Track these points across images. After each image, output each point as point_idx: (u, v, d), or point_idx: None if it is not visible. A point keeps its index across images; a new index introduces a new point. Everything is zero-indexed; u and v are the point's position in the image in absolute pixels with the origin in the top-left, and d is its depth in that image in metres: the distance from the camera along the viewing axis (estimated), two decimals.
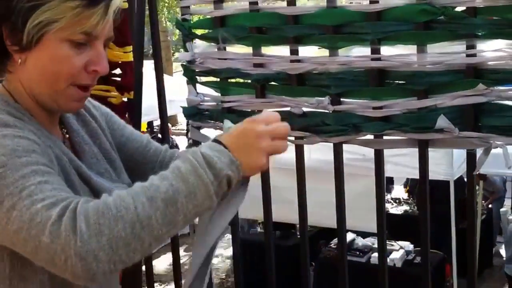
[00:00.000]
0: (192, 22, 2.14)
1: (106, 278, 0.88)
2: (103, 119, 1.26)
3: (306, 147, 2.03)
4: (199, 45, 2.14)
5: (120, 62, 2.20)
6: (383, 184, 1.91)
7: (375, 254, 4.91)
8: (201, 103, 2.16)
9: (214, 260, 4.87)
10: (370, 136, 1.86)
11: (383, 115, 1.79)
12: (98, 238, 0.85)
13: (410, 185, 7.21)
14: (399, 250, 5.13)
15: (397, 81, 1.78)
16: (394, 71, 1.76)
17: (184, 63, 2.15)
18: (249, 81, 2.05)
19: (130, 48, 2.18)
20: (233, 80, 2.13)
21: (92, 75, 1.05)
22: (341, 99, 1.87)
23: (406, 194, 8.14)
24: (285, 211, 3.28)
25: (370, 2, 1.74)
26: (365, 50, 1.81)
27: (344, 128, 1.87)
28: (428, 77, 1.70)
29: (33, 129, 1.01)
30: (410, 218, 6.53)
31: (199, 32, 2.13)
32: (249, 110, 2.06)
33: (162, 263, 6.39)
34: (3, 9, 0.99)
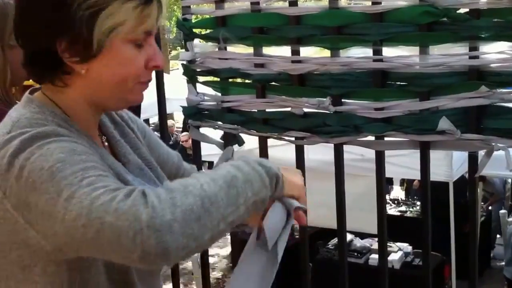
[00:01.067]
0: (192, 21, 2.13)
1: (177, 259, 0.85)
2: (140, 133, 1.25)
3: (305, 147, 2.02)
4: (199, 45, 2.13)
5: None
6: (383, 185, 1.90)
7: (373, 256, 4.90)
8: (201, 102, 2.15)
9: (211, 260, 4.83)
10: (371, 137, 1.85)
11: (385, 116, 1.78)
12: (172, 210, 0.82)
13: (407, 185, 7.20)
14: (397, 252, 5.12)
15: (399, 83, 1.77)
16: (396, 73, 1.75)
17: (184, 63, 2.14)
18: (250, 81, 2.04)
19: None
20: (233, 80, 2.12)
21: (151, 70, 1.05)
22: (342, 100, 1.86)
23: (404, 194, 8.13)
24: None
25: (373, 3, 1.73)
26: (367, 51, 1.80)
27: (345, 129, 1.86)
28: (430, 79, 1.69)
29: (83, 141, 0.98)
30: (408, 219, 6.52)
31: (199, 32, 2.12)
32: (250, 110, 2.05)
33: None
34: (61, 22, 0.94)
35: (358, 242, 5.49)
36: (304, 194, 1.06)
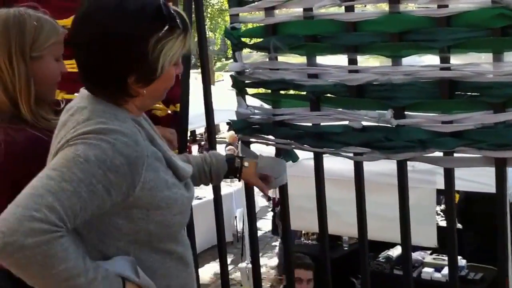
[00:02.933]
0: (241, 31, 2.01)
1: None
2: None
3: None
4: (248, 55, 2.01)
5: None
6: (453, 206, 1.73)
7: (426, 269, 4.71)
8: (251, 116, 2.03)
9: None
10: (438, 153, 1.69)
11: (454, 130, 1.62)
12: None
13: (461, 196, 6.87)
14: None
15: (469, 93, 1.61)
16: (466, 82, 1.59)
17: (233, 74, 2.03)
18: (303, 92, 1.91)
19: None
20: (285, 92, 1.99)
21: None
22: (406, 112, 1.71)
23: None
24: (332, 222, 3.16)
25: (439, 7, 1.57)
26: (433, 59, 1.65)
27: (409, 144, 1.71)
28: (505, 89, 1.52)
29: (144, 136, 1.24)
30: (459, 231, 6.22)
31: (248, 41, 2.01)
32: (303, 123, 1.92)
33: (206, 272, 6.29)
34: (137, 62, 1.17)
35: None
36: None
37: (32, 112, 1.50)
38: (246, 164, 1.71)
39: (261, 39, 1.95)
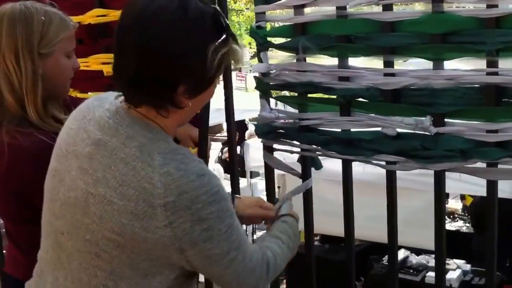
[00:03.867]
0: (267, 30, 1.90)
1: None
2: None
3: None
4: (274, 56, 1.90)
5: None
6: (495, 213, 1.61)
7: (430, 273, 4.63)
8: (275, 120, 1.92)
9: None
10: (481, 164, 1.58)
11: (499, 140, 1.51)
12: (273, 274, 1.33)
13: (473, 203, 6.79)
14: (456, 270, 4.82)
15: None
16: None
17: (258, 75, 1.92)
18: (332, 96, 1.79)
19: None
20: (312, 95, 1.88)
21: None
22: (445, 120, 1.60)
23: (461, 208, 7.73)
24: (337, 224, 3.07)
25: (487, 7, 1.46)
26: (477, 63, 1.54)
27: (448, 154, 1.59)
28: None
29: None
30: (463, 235, 6.16)
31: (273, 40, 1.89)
32: (331, 129, 1.81)
33: None
34: (194, 68, 1.07)
35: (414, 259, 5.17)
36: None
37: (39, 115, 1.40)
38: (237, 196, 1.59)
39: (289, 39, 1.83)
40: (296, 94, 1.87)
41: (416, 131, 1.64)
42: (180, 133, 1.73)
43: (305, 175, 1.94)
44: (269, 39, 1.87)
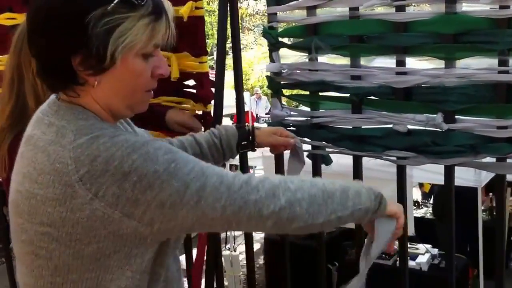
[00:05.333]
0: (279, 30, 1.95)
1: (296, 229, 1.09)
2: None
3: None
4: (286, 55, 1.94)
5: (194, 73, 2.01)
6: (505, 203, 1.69)
7: None
8: (286, 118, 1.96)
9: (240, 256, 4.78)
10: (490, 159, 1.65)
11: (510, 136, 1.58)
12: (302, 193, 1.08)
13: (433, 191, 6.96)
14: (424, 254, 4.95)
15: None
16: None
17: (269, 75, 1.96)
18: (343, 94, 1.85)
19: (206, 58, 1.99)
20: (323, 94, 1.92)
21: (156, 78, 1.10)
22: (456, 117, 1.66)
23: (421, 196, 7.94)
24: None
25: (500, 7, 1.53)
26: (485, 61, 1.61)
27: (459, 149, 1.66)
28: None
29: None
30: (427, 222, 6.33)
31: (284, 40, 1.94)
32: (343, 126, 1.86)
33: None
34: (77, 38, 0.97)
35: None
36: (402, 213, 1.26)
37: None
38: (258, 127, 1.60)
39: (301, 39, 1.88)
40: (307, 92, 1.92)
41: (426, 128, 1.70)
42: (169, 122, 1.79)
43: (315, 171, 1.98)
44: (281, 39, 1.92)
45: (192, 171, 0.99)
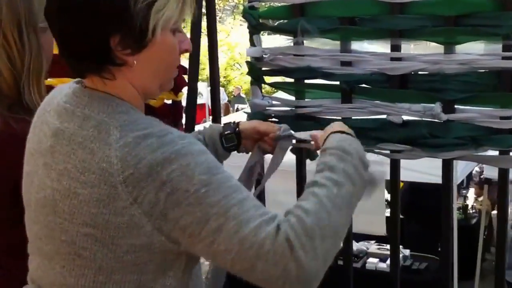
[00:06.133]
0: (261, 10, 1.78)
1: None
2: None
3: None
4: (267, 39, 1.78)
5: None
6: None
7: (371, 259, 4.68)
8: (268, 108, 1.80)
9: None
10: (492, 152, 1.54)
11: None
12: (316, 262, 0.93)
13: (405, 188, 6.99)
14: None
15: None
16: None
17: (250, 60, 1.79)
18: (332, 82, 1.70)
19: None
20: (310, 82, 1.77)
21: (182, 54, 1.09)
22: (455, 106, 1.54)
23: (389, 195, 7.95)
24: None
25: None
26: (490, 47, 1.49)
27: (458, 142, 1.54)
28: None
29: None
30: (402, 222, 6.32)
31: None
32: (332, 117, 1.71)
33: None
34: (118, 16, 0.95)
35: (354, 246, 5.22)
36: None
37: (41, 98, 1.27)
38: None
39: (285, 21, 1.72)
40: (292, 80, 1.76)
41: (423, 119, 1.58)
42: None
43: (300, 166, 1.83)
44: (262, 21, 1.75)
45: (217, 204, 0.93)
